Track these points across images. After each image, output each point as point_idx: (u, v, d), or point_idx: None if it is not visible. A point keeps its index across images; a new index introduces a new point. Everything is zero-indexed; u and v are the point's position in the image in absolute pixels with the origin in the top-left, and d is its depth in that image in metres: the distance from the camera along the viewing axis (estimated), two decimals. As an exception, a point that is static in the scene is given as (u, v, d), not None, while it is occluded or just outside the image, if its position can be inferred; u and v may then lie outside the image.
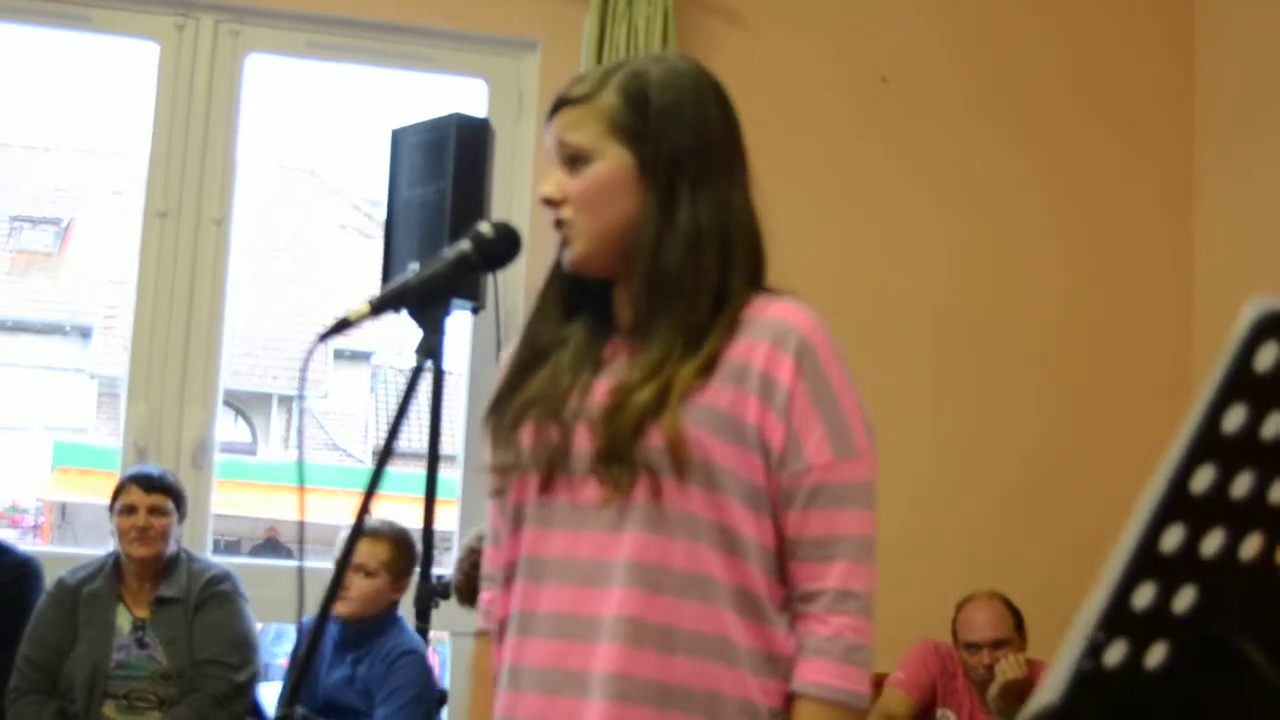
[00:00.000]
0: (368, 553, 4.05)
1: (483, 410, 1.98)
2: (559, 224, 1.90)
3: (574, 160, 1.89)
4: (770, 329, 1.84)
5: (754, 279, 1.90)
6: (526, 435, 1.88)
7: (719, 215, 1.88)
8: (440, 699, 4.18)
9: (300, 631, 4.35)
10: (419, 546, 4.25)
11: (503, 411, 1.93)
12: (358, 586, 4.03)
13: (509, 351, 2.02)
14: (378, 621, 4.13)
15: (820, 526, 1.81)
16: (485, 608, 2.05)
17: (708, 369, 1.81)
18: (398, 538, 4.13)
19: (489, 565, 2.05)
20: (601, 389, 1.85)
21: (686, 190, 1.87)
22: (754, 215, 1.93)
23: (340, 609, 4.02)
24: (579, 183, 1.88)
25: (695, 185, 1.87)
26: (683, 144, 1.88)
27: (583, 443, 1.83)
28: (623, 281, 1.92)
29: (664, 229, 1.86)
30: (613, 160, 1.88)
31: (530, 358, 1.95)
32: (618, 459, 1.78)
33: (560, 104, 1.93)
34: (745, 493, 1.80)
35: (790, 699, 1.81)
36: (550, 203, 1.90)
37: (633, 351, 1.87)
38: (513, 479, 1.90)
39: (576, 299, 1.97)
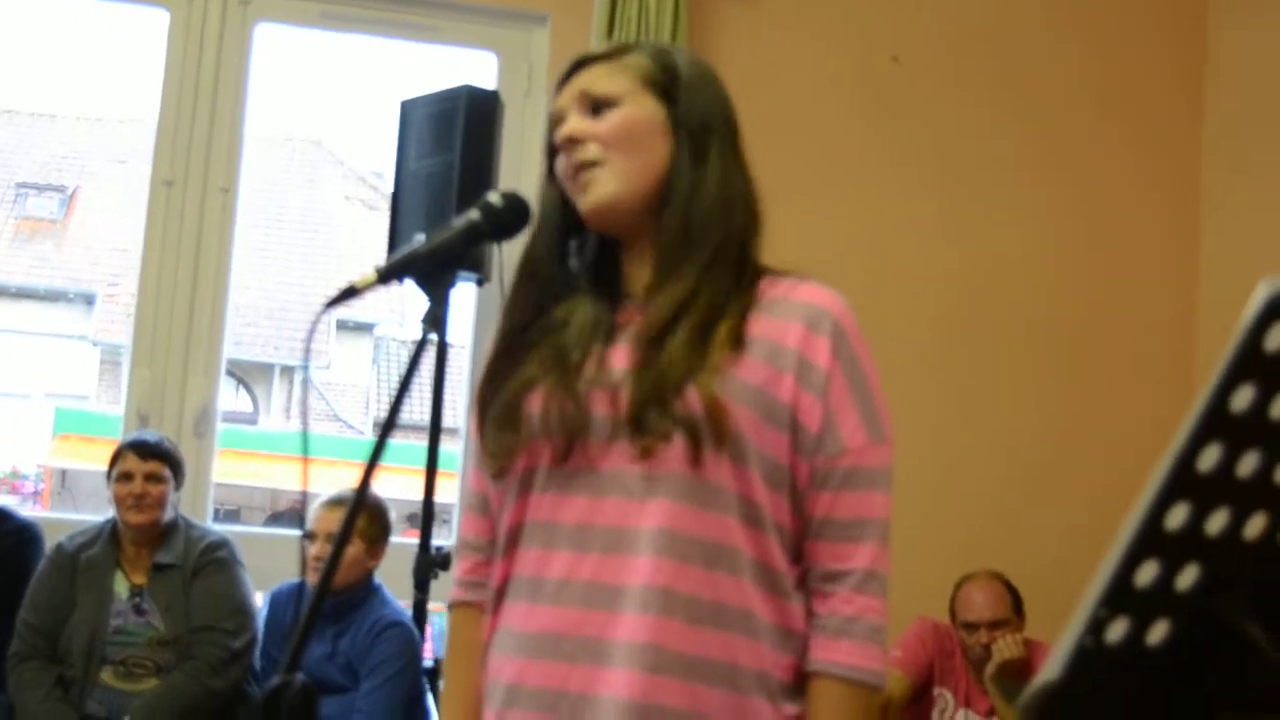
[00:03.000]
0: (336, 520, 3.99)
1: (476, 390, 1.96)
2: (579, 168, 1.88)
3: (597, 108, 1.89)
4: (802, 310, 1.84)
5: (757, 250, 1.92)
6: (535, 404, 1.84)
7: (742, 182, 1.91)
8: (437, 670, 4.17)
9: (273, 601, 4.36)
10: (391, 513, 4.24)
11: (500, 390, 1.90)
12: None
13: (494, 332, 1.98)
14: (356, 592, 4.11)
15: (851, 508, 1.82)
16: (466, 578, 2.02)
17: (738, 343, 1.81)
18: (368, 504, 4.07)
19: (470, 533, 2.02)
20: (621, 353, 1.84)
21: (716, 152, 1.89)
22: (755, 187, 1.95)
23: (316, 580, 3.99)
24: (608, 122, 1.88)
25: (724, 152, 1.90)
26: (710, 112, 1.91)
27: (603, 408, 1.81)
28: (637, 240, 1.91)
29: (697, 180, 1.87)
30: (645, 106, 1.89)
31: (519, 331, 1.92)
32: (658, 409, 1.76)
33: (583, 62, 1.94)
34: (767, 470, 1.80)
35: (800, 674, 1.81)
36: (571, 142, 1.89)
37: (648, 306, 1.86)
38: (519, 454, 1.86)
39: (568, 280, 1.94)
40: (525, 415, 1.85)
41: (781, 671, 1.80)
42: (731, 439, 1.76)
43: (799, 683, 1.81)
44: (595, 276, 1.95)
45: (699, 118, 1.89)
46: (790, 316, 1.84)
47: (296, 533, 5.29)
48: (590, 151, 1.87)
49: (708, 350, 1.78)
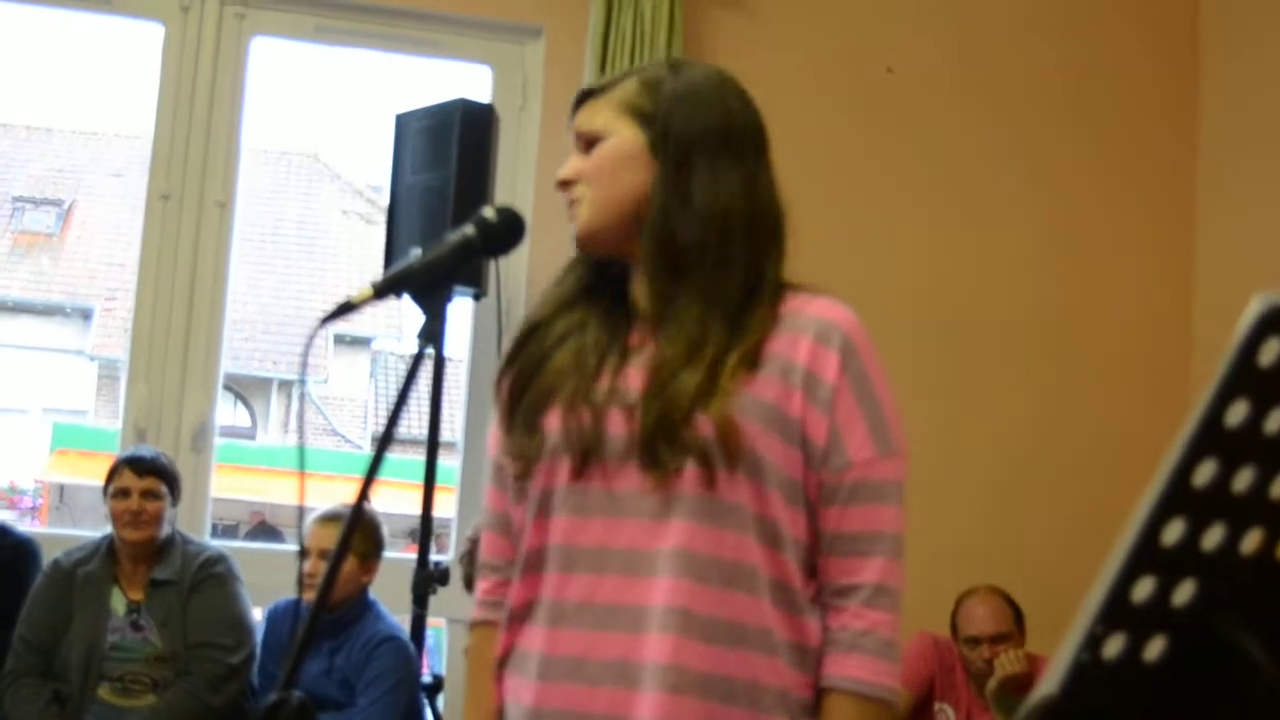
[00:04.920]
0: (330, 537, 4.01)
1: (497, 392, 1.96)
2: (571, 206, 1.91)
3: (589, 145, 1.91)
4: (813, 325, 1.84)
5: (780, 267, 1.90)
6: (554, 419, 1.85)
7: (744, 196, 1.88)
8: (436, 685, 4.16)
9: (271, 616, 4.35)
10: (384, 528, 4.24)
11: (523, 393, 1.90)
12: (324, 571, 3.99)
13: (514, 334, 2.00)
14: (351, 608, 4.11)
15: (860, 523, 1.82)
16: (486, 597, 2.02)
17: (754, 361, 1.80)
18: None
19: (490, 554, 2.02)
20: (635, 375, 1.84)
21: (704, 169, 1.86)
22: (779, 200, 1.93)
23: (311, 596, 4.00)
24: (590, 160, 1.90)
25: (715, 165, 1.87)
26: (698, 125, 1.88)
27: (618, 427, 1.81)
28: (636, 262, 1.91)
29: (674, 203, 1.85)
30: (623, 136, 1.89)
31: (539, 336, 1.93)
32: (667, 442, 1.76)
33: (582, 98, 1.96)
34: (785, 486, 1.80)
35: (818, 692, 1.81)
36: (564, 185, 1.92)
37: (659, 336, 1.85)
38: (540, 464, 1.86)
39: (592, 287, 1.96)
40: (545, 428, 1.86)
41: (801, 689, 1.80)
42: (745, 459, 1.76)
43: (818, 700, 1.81)
44: (610, 294, 1.96)
45: (679, 135, 1.87)
46: (801, 331, 1.84)
47: (293, 548, 5.28)
48: (576, 190, 1.91)
49: (719, 379, 1.78)
